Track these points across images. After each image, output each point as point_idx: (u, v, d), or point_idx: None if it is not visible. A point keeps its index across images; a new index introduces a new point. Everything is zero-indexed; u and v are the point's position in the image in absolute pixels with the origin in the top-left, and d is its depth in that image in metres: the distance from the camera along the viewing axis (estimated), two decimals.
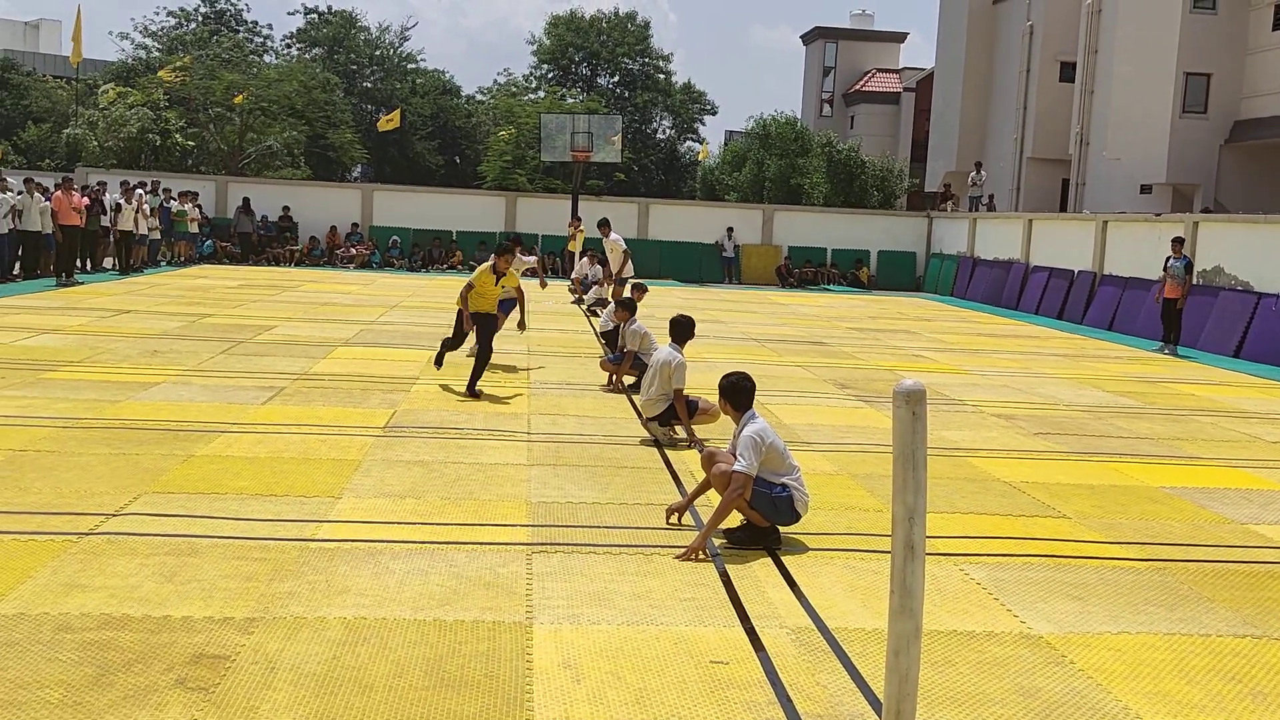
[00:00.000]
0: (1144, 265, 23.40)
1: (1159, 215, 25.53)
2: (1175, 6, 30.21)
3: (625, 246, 20.36)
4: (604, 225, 21.60)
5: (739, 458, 6.71)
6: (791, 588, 6.18)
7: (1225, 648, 5.58)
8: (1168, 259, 19.50)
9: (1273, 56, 28.98)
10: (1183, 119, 30.39)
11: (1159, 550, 7.26)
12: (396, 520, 7.06)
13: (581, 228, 30.02)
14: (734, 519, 6.89)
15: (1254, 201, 28.48)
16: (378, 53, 64.75)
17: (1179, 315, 19.44)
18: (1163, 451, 10.57)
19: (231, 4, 62.93)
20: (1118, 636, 5.66)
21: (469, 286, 11.84)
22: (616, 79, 67.81)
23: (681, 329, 10.35)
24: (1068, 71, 38.50)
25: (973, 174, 36.97)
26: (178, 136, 41.82)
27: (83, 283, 22.10)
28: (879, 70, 58.24)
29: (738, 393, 7.08)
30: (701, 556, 6.53)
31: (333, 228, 33.35)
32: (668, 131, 69.79)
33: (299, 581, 5.85)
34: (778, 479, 6.82)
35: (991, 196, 38.08)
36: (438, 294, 24.37)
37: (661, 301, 22.96)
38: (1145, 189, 32.18)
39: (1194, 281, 20.29)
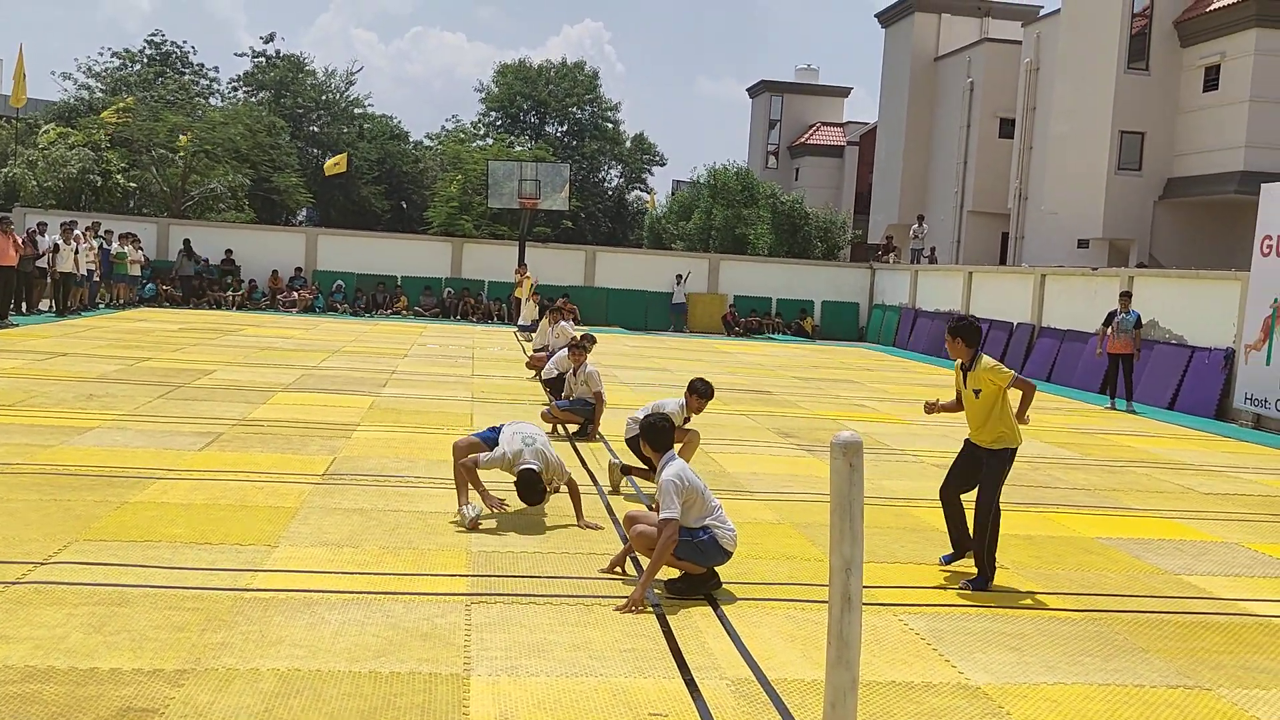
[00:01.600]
0: (1081, 318, 23.83)
1: (1096, 269, 26.05)
2: (1110, 66, 31.03)
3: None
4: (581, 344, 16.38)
5: (662, 507, 6.70)
6: (732, 638, 6.17)
7: (1158, 698, 5.65)
8: (1113, 313, 19.22)
9: (1203, 116, 29.83)
10: (1118, 175, 31.12)
11: (1095, 601, 7.34)
12: (334, 569, 6.96)
13: (529, 274, 30.06)
14: (672, 570, 6.88)
15: (1187, 257, 29.16)
16: (324, 97, 64.58)
17: (1131, 369, 19.18)
18: (1099, 502, 10.72)
19: (177, 46, 62.58)
20: (1054, 687, 5.71)
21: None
22: (565, 128, 68.23)
23: (695, 391, 10.10)
24: (1007, 128, 39.35)
25: (915, 226, 37.55)
26: (119, 178, 41.32)
27: (17, 324, 21.70)
28: (823, 124, 59.13)
29: (656, 433, 7.08)
30: (641, 608, 6.50)
31: (275, 272, 33.09)
32: (616, 180, 70.27)
33: (232, 632, 5.74)
34: (699, 523, 6.80)
35: (933, 249, 38.67)
36: (381, 339, 24.22)
37: (609, 349, 22.99)
38: (1082, 243, 32.84)
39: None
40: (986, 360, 7.60)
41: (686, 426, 9.89)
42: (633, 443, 9.75)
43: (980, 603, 7.12)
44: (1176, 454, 14.39)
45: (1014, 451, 7.54)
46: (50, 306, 25.24)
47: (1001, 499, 9.61)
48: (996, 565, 7.56)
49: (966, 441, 7.72)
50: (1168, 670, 6.06)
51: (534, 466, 8.14)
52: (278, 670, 5.28)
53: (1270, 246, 17.78)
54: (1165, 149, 30.90)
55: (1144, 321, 20.05)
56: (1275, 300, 17.52)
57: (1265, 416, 17.71)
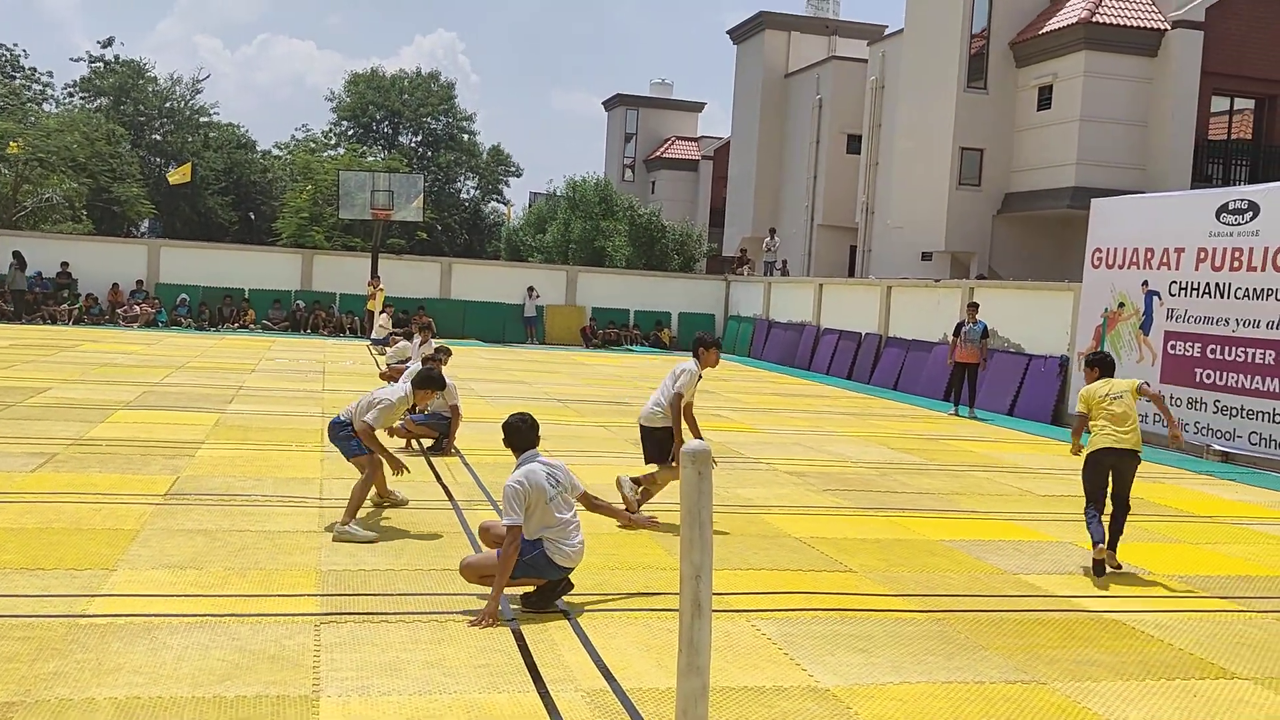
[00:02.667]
0: (925, 328, 24.63)
1: (938, 281, 26.97)
2: (951, 85, 32.19)
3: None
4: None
5: (503, 513, 6.64)
6: (587, 649, 6.17)
7: (998, 694, 5.86)
8: (961, 323, 19.89)
9: (1038, 134, 31.17)
10: (959, 191, 32.26)
11: (938, 601, 7.59)
12: (176, 593, 6.73)
13: (381, 286, 29.60)
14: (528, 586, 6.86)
15: (1024, 269, 30.41)
16: (168, 105, 62.52)
17: (975, 377, 19.82)
18: (943, 506, 11.09)
19: (7, 50, 59.83)
20: (899, 686, 5.88)
21: None
22: (419, 138, 67.49)
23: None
24: (854, 144, 40.44)
25: (767, 240, 38.29)
26: None
27: None
28: (679, 138, 59.80)
29: (511, 432, 7.03)
30: (495, 621, 6.45)
31: (115, 285, 31.82)
32: (472, 192, 69.80)
33: (66, 661, 5.50)
34: (534, 535, 6.68)
35: (785, 261, 39.47)
36: (227, 354, 23.52)
37: (466, 362, 22.79)
38: (926, 256, 33.94)
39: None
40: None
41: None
42: (647, 434, 9.64)
43: (830, 606, 7.29)
44: (1015, 458, 14.98)
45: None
46: None
47: (848, 504, 10.01)
48: (846, 569, 7.73)
49: (1103, 452, 8.73)
50: (1006, 666, 6.30)
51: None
52: (115, 699, 5.07)
53: (1100, 259, 18.68)
54: (1003, 165, 32.19)
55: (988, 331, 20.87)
56: (1105, 310, 18.42)
57: None
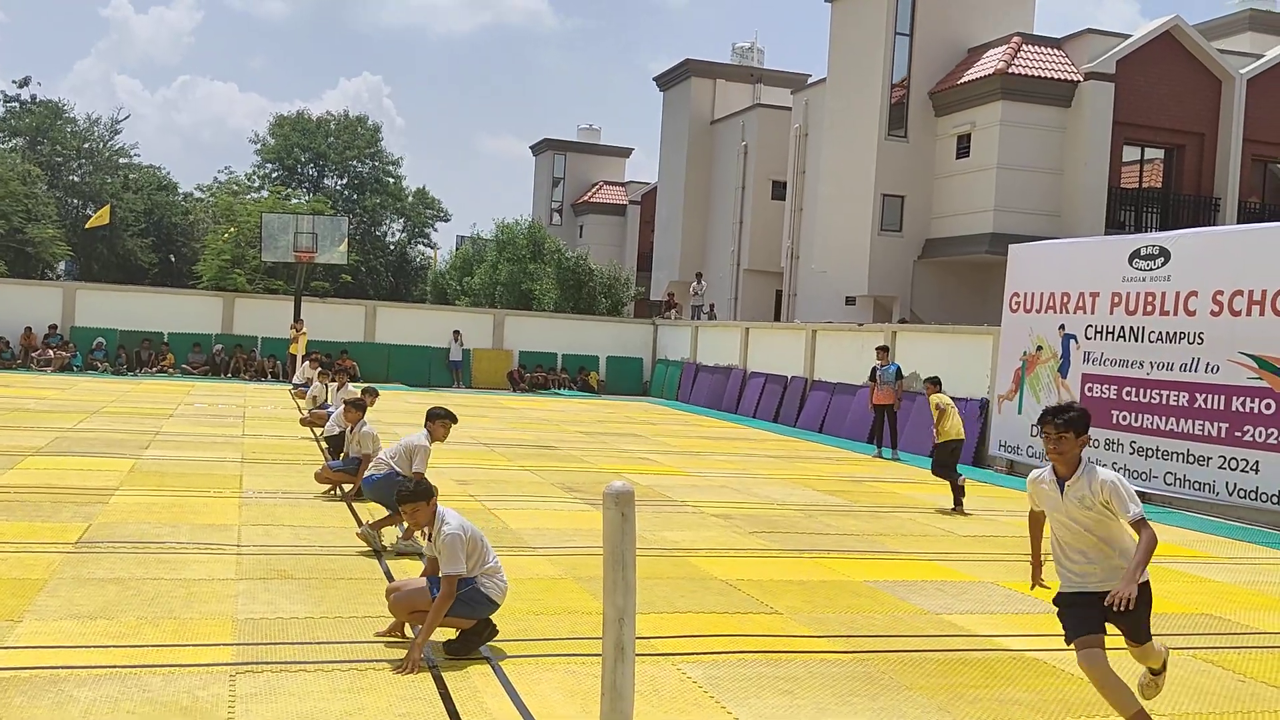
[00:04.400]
0: (849, 371, 24.89)
1: (862, 325, 27.34)
2: (872, 133, 32.83)
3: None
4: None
5: (446, 563, 6.58)
6: (511, 696, 6.08)
7: None
8: (875, 367, 20.36)
9: (957, 181, 31.87)
10: (880, 236, 32.82)
11: (863, 642, 7.60)
12: (85, 644, 6.51)
13: (305, 330, 29.23)
14: (449, 631, 6.76)
15: (946, 312, 30.96)
16: (86, 145, 61.48)
17: (895, 419, 20.22)
18: (867, 547, 11.15)
19: None
20: None
21: None
22: (345, 181, 67.08)
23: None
24: (779, 190, 41.00)
25: (694, 284, 38.55)
26: None
27: None
28: (606, 183, 60.16)
29: (414, 495, 6.94)
30: (419, 668, 6.34)
31: (28, 328, 31.02)
32: (398, 235, 69.44)
33: None
34: (470, 574, 6.72)
35: (712, 305, 39.75)
36: (144, 399, 23.01)
37: (391, 406, 22.53)
38: (850, 300, 34.41)
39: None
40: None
41: None
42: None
43: (755, 648, 7.27)
44: (938, 499, 15.13)
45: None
46: None
47: (775, 546, 9.87)
48: (772, 610, 7.71)
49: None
50: (929, 706, 6.32)
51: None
52: None
53: (1018, 303, 19.07)
54: (923, 211, 32.84)
55: (904, 374, 21.24)
56: (1024, 353, 18.77)
57: (1018, 462, 18.86)
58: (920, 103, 32.68)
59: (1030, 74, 30.06)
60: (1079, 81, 30.15)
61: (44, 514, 10.19)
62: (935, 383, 15.46)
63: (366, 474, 10.03)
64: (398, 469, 9.64)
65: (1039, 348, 18.41)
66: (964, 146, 31.65)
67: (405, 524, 8.89)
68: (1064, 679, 6.98)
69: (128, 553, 8.85)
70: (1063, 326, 17.90)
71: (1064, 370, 17.82)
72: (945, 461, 14.25)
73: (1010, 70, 29.81)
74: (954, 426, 14.45)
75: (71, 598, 7.43)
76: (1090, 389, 17.22)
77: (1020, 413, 18.80)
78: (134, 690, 5.78)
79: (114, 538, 9.36)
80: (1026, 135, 30.20)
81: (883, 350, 20.76)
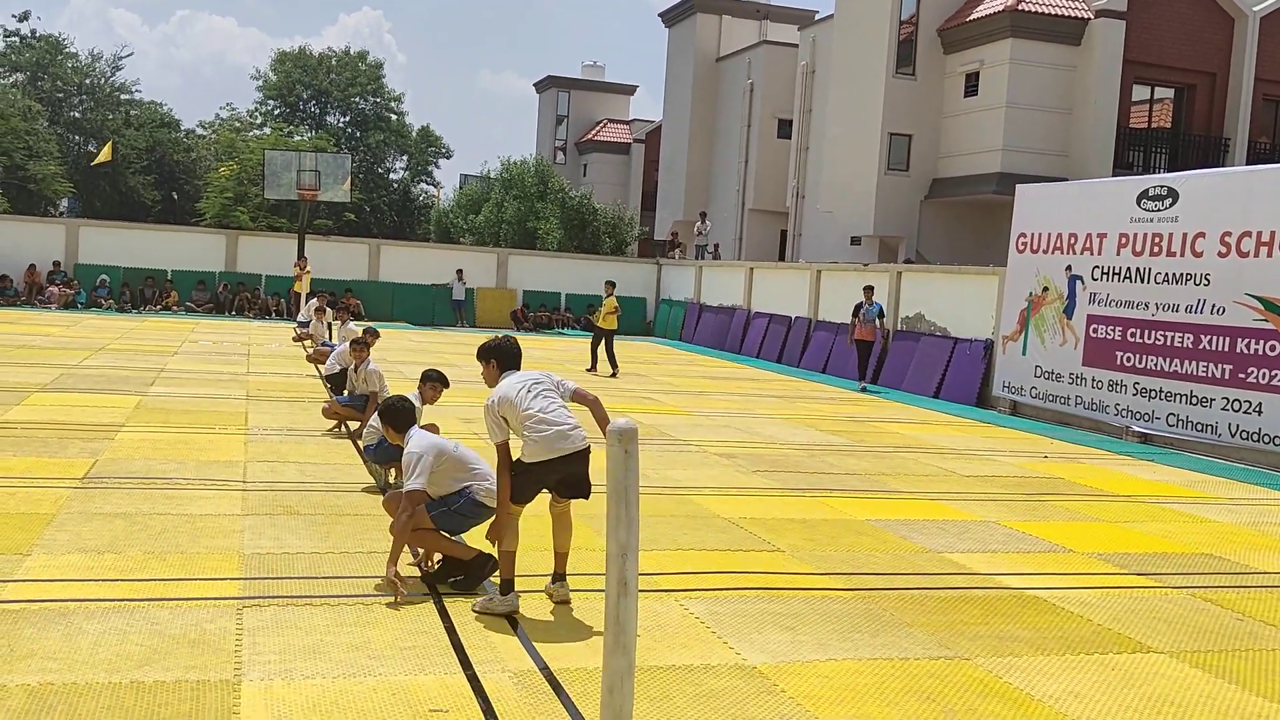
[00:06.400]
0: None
1: (867, 265, 27.22)
2: (879, 71, 32.46)
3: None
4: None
5: (406, 480, 6.63)
6: (515, 631, 6.14)
7: (921, 670, 5.94)
8: (859, 305, 21.18)
9: (965, 120, 31.57)
10: (887, 176, 32.58)
11: (864, 580, 7.66)
12: (93, 577, 6.58)
13: (309, 268, 29.16)
14: (454, 566, 6.82)
15: (951, 253, 30.82)
16: (88, 81, 60.93)
17: (872, 354, 21.45)
18: (869, 486, 11.20)
19: None
20: (825, 664, 5.92)
21: None
22: (347, 118, 66.49)
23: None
24: (785, 129, 40.63)
25: (698, 224, 38.37)
26: None
27: None
28: (610, 120, 59.66)
29: (397, 414, 7.08)
30: (401, 591, 6.44)
31: (32, 266, 31.00)
32: (401, 173, 68.96)
33: None
34: (457, 485, 6.75)
35: (716, 245, 39.59)
36: (149, 336, 23.04)
37: (394, 344, 22.56)
38: (855, 240, 34.25)
39: (900, 328, 22.32)
40: None
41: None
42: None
43: (758, 585, 7.32)
44: (941, 439, 15.18)
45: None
46: None
47: (777, 485, 9.99)
48: (774, 549, 7.77)
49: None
50: (930, 643, 6.38)
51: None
52: (27, 686, 4.94)
53: (1025, 244, 18.97)
54: (931, 151, 32.56)
55: (910, 315, 21.34)
56: (1030, 294, 18.71)
57: (1021, 403, 18.88)
58: (929, 40, 32.27)
59: (1040, 11, 29.64)
60: (1089, 19, 29.74)
61: (50, 450, 10.24)
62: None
63: (365, 445, 9.97)
64: None
65: (1045, 289, 18.35)
66: (972, 85, 31.30)
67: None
68: (1064, 616, 7.04)
69: (134, 488, 8.90)
70: (1069, 267, 17.82)
71: (1069, 311, 17.78)
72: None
73: (1020, 7, 29.40)
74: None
75: (79, 532, 7.49)
76: (1095, 330, 17.18)
77: (1025, 354, 18.78)
78: (142, 623, 5.84)
79: (120, 473, 9.42)
80: (1035, 74, 29.86)
81: (869, 290, 21.48)
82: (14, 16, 72.25)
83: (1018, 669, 6.03)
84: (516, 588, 6.49)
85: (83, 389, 14.47)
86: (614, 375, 21.31)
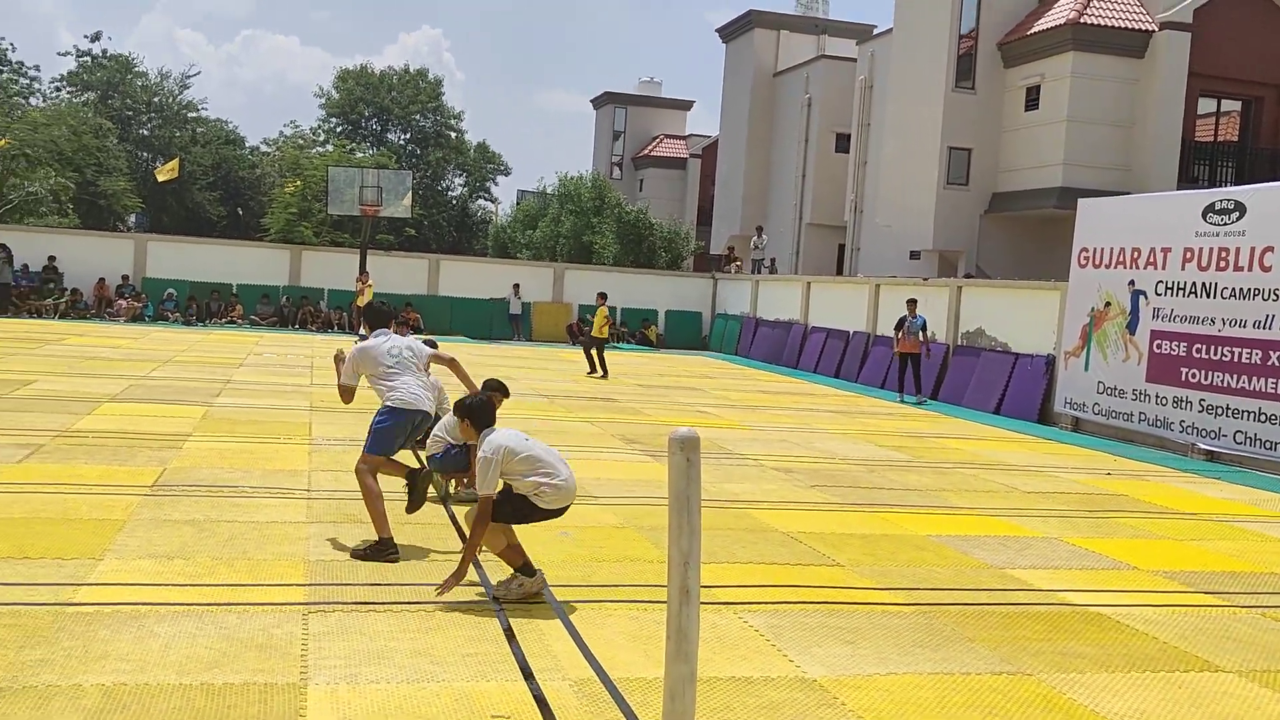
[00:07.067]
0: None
1: (926, 280, 27.03)
2: (939, 85, 32.27)
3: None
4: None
5: (477, 483, 6.66)
6: (575, 640, 6.18)
7: (983, 685, 5.89)
8: (903, 318, 21.60)
9: (1025, 134, 31.27)
10: (946, 190, 32.33)
11: (925, 595, 7.61)
12: (163, 582, 6.72)
13: (370, 282, 29.54)
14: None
15: (1012, 267, 30.49)
16: (156, 99, 62.28)
17: (919, 365, 21.61)
18: (929, 502, 11.12)
19: None
20: (886, 678, 5.90)
21: None
22: (407, 135, 67.36)
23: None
24: (843, 143, 40.48)
25: (755, 238, 38.33)
26: None
27: None
28: (666, 136, 59.79)
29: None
30: (458, 584, 6.57)
31: (101, 279, 31.69)
32: (460, 189, 69.68)
33: (53, 648, 5.48)
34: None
35: (773, 259, 39.50)
36: (214, 349, 23.46)
37: None
38: (914, 255, 34.00)
39: (960, 344, 22.22)
40: None
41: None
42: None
43: (817, 599, 7.31)
44: (1001, 455, 15.03)
45: None
46: None
47: (836, 499, 9.97)
48: (834, 563, 7.75)
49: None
50: (992, 658, 6.33)
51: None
52: (102, 685, 5.07)
53: (1086, 258, 18.75)
54: (991, 165, 32.28)
55: (970, 330, 21.20)
56: (1092, 309, 18.49)
57: (1083, 419, 18.64)
58: (989, 54, 32.03)
59: (1103, 24, 29.31)
60: (1154, 31, 29.35)
61: (121, 458, 10.47)
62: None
63: (429, 455, 10.04)
64: (453, 441, 9.65)
65: (1107, 304, 18.12)
66: (1033, 98, 30.99)
67: (467, 477, 9.30)
68: (1129, 633, 6.95)
69: (202, 496, 9.08)
70: (1132, 282, 17.58)
71: (1133, 327, 17.53)
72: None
73: (1082, 20, 29.08)
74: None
75: (149, 538, 7.65)
76: (1159, 346, 16.93)
77: (1087, 370, 18.54)
78: (211, 627, 5.96)
79: (188, 481, 9.61)
80: (1098, 87, 29.50)
81: (912, 303, 21.99)
82: (86, 37, 74.13)
83: (1082, 685, 5.96)
84: (576, 596, 6.52)
85: (151, 399, 14.76)
86: (603, 376, 22.72)
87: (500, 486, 6.69)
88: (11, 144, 41.52)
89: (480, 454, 6.68)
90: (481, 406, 6.99)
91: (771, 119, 44.58)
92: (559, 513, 6.86)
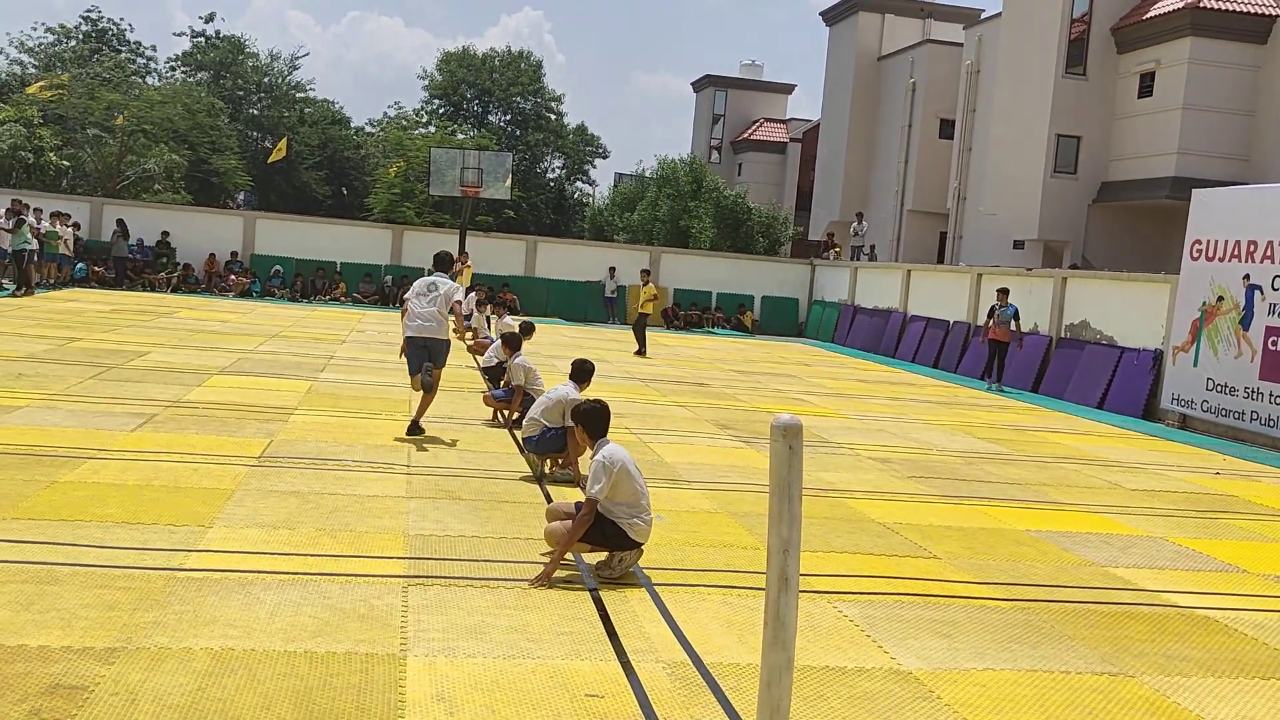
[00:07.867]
0: None
1: (1030, 270, 26.46)
2: (1049, 70, 31.53)
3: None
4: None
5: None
6: (668, 623, 6.21)
7: (1083, 684, 5.78)
8: (994, 307, 21.74)
9: (1138, 122, 30.41)
10: (1054, 178, 31.62)
11: (1024, 590, 7.48)
12: (269, 551, 6.90)
13: (469, 263, 29.88)
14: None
15: (1119, 259, 29.72)
16: (266, 80, 63.71)
17: (1005, 354, 21.82)
18: (1029, 496, 10.92)
19: (114, 23, 61.47)
20: (983, 673, 5.82)
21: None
22: (508, 117, 67.91)
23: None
24: (947, 129, 39.82)
25: (855, 224, 37.91)
26: (52, 155, 40.45)
27: None
28: (767, 120, 59.41)
29: (593, 418, 7.19)
30: (544, 583, 6.64)
31: (212, 255, 32.59)
32: (558, 171, 70.08)
33: (164, 611, 5.68)
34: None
35: (873, 246, 39.04)
36: (319, 324, 23.98)
37: (548, 340, 22.97)
38: (1018, 244, 33.34)
39: (1064, 335, 21.80)
40: None
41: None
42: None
43: (913, 591, 7.23)
44: (1105, 451, 14.68)
45: None
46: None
47: (933, 491, 9.84)
48: (931, 555, 7.67)
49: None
50: (1093, 657, 6.20)
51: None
52: (211, 649, 5.23)
53: (1200, 251, 18.19)
54: (1100, 153, 31.47)
55: (1075, 323, 20.74)
56: (1204, 303, 17.94)
57: (1191, 417, 18.12)
58: (1101, 39, 31.20)
59: (1223, 8, 28.33)
60: (1277, 16, 28.28)
61: (229, 429, 10.77)
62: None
63: (525, 436, 10.15)
64: (548, 424, 9.77)
65: (1220, 298, 17.56)
66: (1147, 85, 30.13)
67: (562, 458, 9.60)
68: (1237, 638, 6.76)
69: (307, 468, 9.30)
70: (1247, 276, 17.01)
71: (1246, 322, 16.97)
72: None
73: (1201, 4, 28.15)
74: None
75: (256, 508, 7.87)
76: (1274, 343, 16.37)
77: (1196, 365, 18.01)
78: (315, 596, 6.11)
79: (293, 454, 9.85)
80: (1216, 74, 28.56)
81: (1003, 292, 21.89)
82: (200, 18, 76.10)
83: (1187, 689, 5.81)
84: (669, 580, 6.55)
85: (258, 373, 15.15)
86: (638, 353, 23.27)
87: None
88: (129, 121, 42.84)
89: (597, 459, 6.85)
90: (596, 414, 7.22)
91: (874, 104, 44.02)
92: (638, 546, 6.96)
